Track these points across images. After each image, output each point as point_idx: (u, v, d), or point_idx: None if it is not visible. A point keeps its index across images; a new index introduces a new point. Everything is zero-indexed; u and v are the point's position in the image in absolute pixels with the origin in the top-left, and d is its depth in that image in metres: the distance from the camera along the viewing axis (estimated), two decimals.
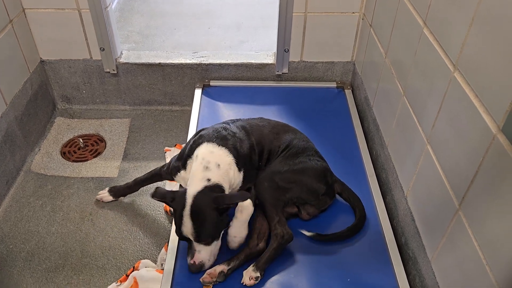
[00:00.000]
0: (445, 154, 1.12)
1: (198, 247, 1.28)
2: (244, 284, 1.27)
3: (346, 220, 1.46)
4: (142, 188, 1.76)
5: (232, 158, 1.36)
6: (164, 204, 1.77)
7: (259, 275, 1.28)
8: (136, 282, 1.45)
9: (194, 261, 1.28)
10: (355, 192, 1.51)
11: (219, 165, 1.32)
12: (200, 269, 1.29)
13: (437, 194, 1.16)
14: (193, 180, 1.30)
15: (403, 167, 1.43)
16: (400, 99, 1.45)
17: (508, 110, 0.85)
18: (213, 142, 1.37)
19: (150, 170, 1.69)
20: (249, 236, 1.38)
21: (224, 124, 1.47)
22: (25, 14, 1.96)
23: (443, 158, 1.13)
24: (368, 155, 1.72)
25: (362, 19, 1.95)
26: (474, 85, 0.99)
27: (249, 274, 1.28)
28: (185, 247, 1.39)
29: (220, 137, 1.39)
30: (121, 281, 1.50)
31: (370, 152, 1.74)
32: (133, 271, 1.51)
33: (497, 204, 0.89)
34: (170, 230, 1.67)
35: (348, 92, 2.05)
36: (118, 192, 1.77)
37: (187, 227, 1.24)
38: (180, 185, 1.51)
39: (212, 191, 1.26)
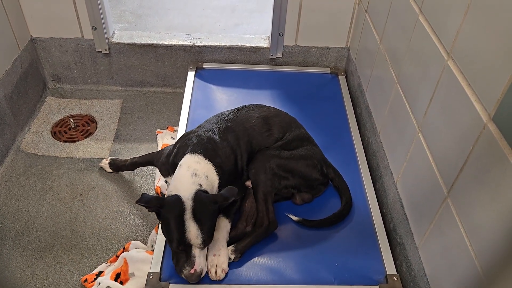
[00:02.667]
0: (436, 142, 1.13)
1: (196, 252, 1.20)
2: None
3: (336, 205, 1.47)
4: (134, 170, 1.79)
5: (217, 177, 1.31)
6: (156, 186, 1.77)
7: (233, 257, 1.29)
8: (126, 263, 1.45)
9: (195, 269, 1.20)
10: (346, 178, 1.52)
11: (207, 176, 1.28)
12: (200, 276, 1.21)
13: (427, 181, 1.17)
14: (182, 185, 1.24)
15: (394, 154, 1.44)
16: (393, 86, 1.46)
17: (500, 99, 0.85)
18: (198, 154, 1.32)
19: (141, 153, 1.68)
20: (238, 218, 1.39)
21: (209, 133, 1.39)
22: None
23: (434, 146, 1.14)
24: (360, 141, 1.73)
25: (358, 5, 1.93)
26: (467, 74, 0.99)
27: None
28: None
29: (206, 150, 1.33)
30: (111, 262, 1.51)
31: (362, 139, 1.75)
32: (123, 252, 1.51)
33: (485, 192, 0.90)
34: None
35: (341, 78, 2.04)
36: (117, 166, 1.82)
37: (192, 232, 1.17)
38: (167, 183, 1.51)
39: (205, 195, 1.23)
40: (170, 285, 1.25)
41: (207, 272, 1.25)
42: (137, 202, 1.21)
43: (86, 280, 1.45)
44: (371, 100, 1.72)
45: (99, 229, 1.63)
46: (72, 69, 2.19)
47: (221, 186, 1.32)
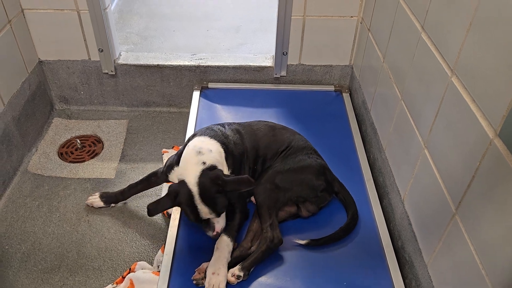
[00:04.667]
0: (442, 159, 1.12)
1: (215, 220, 1.30)
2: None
3: (341, 220, 1.46)
4: (130, 197, 1.75)
5: (223, 150, 1.37)
6: None
7: (242, 275, 1.28)
8: (132, 284, 1.44)
9: (217, 232, 1.31)
10: (352, 195, 1.51)
11: (211, 150, 1.32)
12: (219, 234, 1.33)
13: (434, 198, 1.16)
14: (187, 166, 1.29)
15: (400, 171, 1.44)
16: (398, 103, 1.46)
17: (505, 115, 0.85)
18: (205, 136, 1.39)
19: (147, 172, 1.68)
20: (243, 237, 1.39)
21: (219, 126, 1.48)
22: (23, 14, 1.96)
23: (440, 162, 1.14)
24: (366, 158, 1.72)
25: (361, 23, 1.96)
26: (471, 90, 0.99)
27: (233, 272, 1.29)
28: (182, 248, 1.40)
29: (212, 133, 1.41)
30: (117, 283, 1.50)
31: (368, 156, 1.74)
32: (129, 272, 1.50)
33: (493, 209, 0.89)
34: (166, 232, 1.67)
35: (346, 96, 2.05)
36: (110, 198, 1.75)
37: (205, 211, 1.27)
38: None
39: (211, 175, 1.26)
40: None
41: None
42: (150, 214, 1.29)
43: None
44: (375, 117, 1.72)
45: (105, 249, 1.62)
46: (78, 90, 2.21)
47: (227, 160, 1.37)
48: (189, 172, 1.28)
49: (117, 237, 1.67)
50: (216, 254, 1.31)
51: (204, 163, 1.28)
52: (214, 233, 1.31)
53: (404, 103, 1.41)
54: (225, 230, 1.35)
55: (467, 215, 0.99)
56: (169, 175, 1.46)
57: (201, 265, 1.32)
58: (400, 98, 1.44)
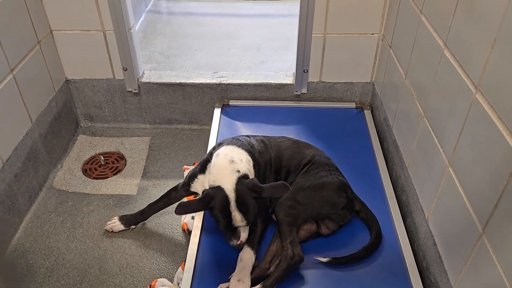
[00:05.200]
0: (468, 177, 1.10)
1: (242, 229, 1.33)
2: None
3: (364, 240, 1.43)
4: (149, 217, 1.74)
5: (251, 159, 1.42)
6: (182, 223, 1.77)
7: None
8: None
9: (241, 241, 1.33)
10: (374, 213, 1.49)
11: (241, 159, 1.38)
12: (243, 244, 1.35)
13: (460, 217, 1.13)
14: (222, 175, 1.33)
15: (424, 189, 1.41)
16: (421, 120, 1.44)
17: None
18: (232, 145, 1.44)
19: (168, 189, 1.70)
20: (261, 258, 1.38)
21: (244, 136, 1.54)
22: (52, 35, 2.03)
23: (466, 181, 1.11)
24: (388, 176, 1.70)
25: (382, 40, 1.95)
26: (497, 107, 0.97)
27: None
28: (203, 266, 1.39)
29: (239, 143, 1.46)
30: None
31: (390, 174, 1.72)
32: None
33: None
34: (187, 249, 1.67)
35: (367, 113, 2.04)
36: (130, 220, 1.75)
37: (238, 219, 1.29)
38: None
39: (247, 183, 1.31)
40: None
41: None
42: (177, 211, 1.30)
43: None
44: (398, 134, 1.70)
45: (126, 266, 1.63)
46: (103, 108, 2.27)
47: (255, 168, 1.42)
48: (225, 179, 1.32)
49: (138, 253, 1.67)
50: (240, 265, 1.33)
51: (238, 171, 1.33)
52: (239, 242, 1.33)
53: (427, 120, 1.39)
54: (248, 242, 1.36)
55: (494, 235, 0.96)
56: (192, 185, 1.49)
57: (224, 285, 1.31)
58: (423, 115, 1.42)
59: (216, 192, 1.30)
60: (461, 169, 1.14)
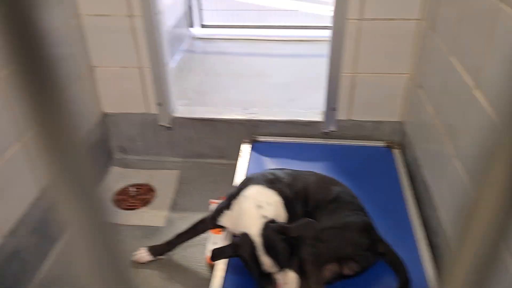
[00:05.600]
0: None
1: (278, 275, 1.29)
2: None
3: (392, 285, 1.39)
4: (177, 246, 1.75)
5: (281, 198, 1.41)
6: (206, 257, 1.77)
7: None
8: None
9: (279, 287, 1.29)
10: (403, 256, 1.45)
11: (270, 203, 1.37)
12: None
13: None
14: (248, 220, 1.33)
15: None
16: (451, 160, 1.42)
17: None
18: (261, 185, 1.43)
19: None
20: None
21: (271, 170, 1.55)
22: (92, 70, 2.14)
23: None
24: (418, 218, 1.66)
25: (411, 80, 1.96)
26: None
27: None
28: None
29: (268, 180, 1.46)
30: None
31: (420, 216, 1.68)
32: None
33: None
34: (210, 283, 1.66)
35: (396, 152, 2.02)
36: (157, 251, 1.75)
37: (268, 265, 1.28)
38: (226, 231, 1.54)
39: (274, 226, 1.31)
40: None
41: None
42: (213, 259, 1.35)
43: None
44: (428, 174, 1.68)
45: None
46: (136, 141, 2.34)
47: (286, 206, 1.42)
48: (250, 225, 1.32)
49: (163, 285, 1.68)
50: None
51: (265, 216, 1.33)
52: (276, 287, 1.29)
53: (458, 161, 1.37)
54: (291, 265, 1.34)
55: None
56: (219, 219, 1.49)
57: None
58: (454, 155, 1.41)
59: (242, 239, 1.32)
60: None
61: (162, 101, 2.18)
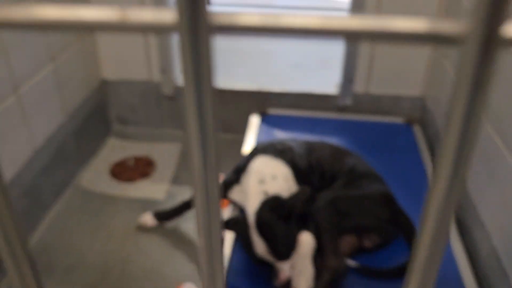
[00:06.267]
0: None
1: (279, 264, 1.16)
2: None
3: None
4: (183, 213, 1.65)
5: (289, 169, 1.28)
6: None
7: None
8: None
9: (281, 281, 1.16)
10: None
11: (275, 176, 1.24)
12: (288, 283, 1.16)
13: None
14: (248, 197, 1.21)
15: (486, 203, 1.25)
16: (482, 128, 1.30)
17: None
18: (268, 155, 1.30)
19: None
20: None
21: (281, 140, 1.42)
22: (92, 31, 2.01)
23: None
24: None
25: (435, 49, 1.84)
26: None
27: None
28: (236, 273, 1.25)
29: (277, 151, 1.33)
30: None
31: None
32: None
33: None
34: None
35: (416, 128, 1.90)
36: (163, 215, 1.66)
37: (260, 247, 1.16)
38: (234, 203, 1.41)
39: (271, 204, 1.17)
40: None
41: None
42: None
43: None
44: None
45: (150, 271, 1.50)
46: (136, 111, 2.21)
47: (296, 178, 1.29)
48: (249, 202, 1.21)
49: (164, 258, 1.55)
50: (299, 251, 1.17)
51: (266, 192, 1.21)
52: (278, 282, 1.16)
53: (490, 126, 1.25)
54: (306, 228, 1.22)
55: None
56: (229, 193, 1.37)
57: None
58: (485, 121, 1.29)
59: (239, 217, 1.22)
60: None
61: (166, 68, 2.04)
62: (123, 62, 2.07)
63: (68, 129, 1.84)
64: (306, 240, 1.20)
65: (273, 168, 1.27)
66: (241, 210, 1.29)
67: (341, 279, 1.18)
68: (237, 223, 1.21)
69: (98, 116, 2.12)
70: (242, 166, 1.35)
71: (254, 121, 1.99)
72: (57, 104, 1.75)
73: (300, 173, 1.33)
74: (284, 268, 1.15)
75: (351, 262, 1.24)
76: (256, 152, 1.35)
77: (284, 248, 1.15)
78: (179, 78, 2.14)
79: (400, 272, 1.23)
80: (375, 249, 1.31)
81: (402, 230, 1.33)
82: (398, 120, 1.96)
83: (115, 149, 2.14)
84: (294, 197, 1.18)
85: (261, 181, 1.23)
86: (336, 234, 1.24)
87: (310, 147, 1.45)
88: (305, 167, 1.36)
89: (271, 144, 1.39)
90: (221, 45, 3.03)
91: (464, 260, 1.28)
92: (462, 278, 1.23)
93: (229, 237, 1.38)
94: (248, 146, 1.83)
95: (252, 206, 1.19)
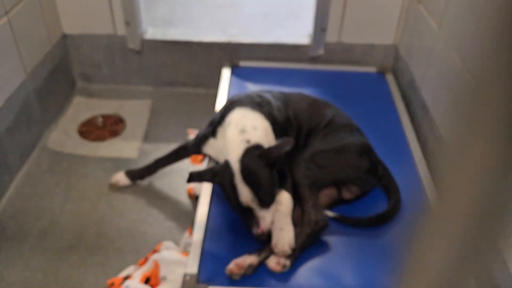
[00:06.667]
0: None
1: (261, 213, 1.15)
2: (270, 269, 1.12)
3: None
4: (163, 170, 1.62)
5: (268, 123, 1.25)
6: (188, 187, 1.63)
7: (288, 264, 1.13)
8: (157, 266, 1.30)
9: (262, 230, 1.14)
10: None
11: (255, 127, 1.21)
12: (268, 235, 1.15)
13: None
14: (230, 146, 1.18)
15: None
16: (458, 75, 1.30)
17: None
18: (246, 107, 1.26)
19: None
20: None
21: (258, 92, 1.37)
22: None
23: None
24: (416, 140, 1.56)
25: None
26: None
27: (277, 260, 1.13)
28: (215, 229, 1.25)
29: (254, 103, 1.29)
30: (140, 265, 1.36)
31: (418, 138, 1.58)
32: (153, 254, 1.36)
33: None
34: (193, 215, 1.53)
35: (389, 77, 1.89)
36: (136, 174, 1.63)
37: (245, 195, 1.13)
38: (209, 158, 1.39)
39: (255, 151, 1.16)
40: (209, 287, 1.09)
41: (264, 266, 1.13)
42: (189, 181, 1.19)
43: (112, 284, 1.30)
44: (428, 95, 1.57)
45: (126, 230, 1.49)
46: (102, 68, 2.10)
47: (274, 131, 1.27)
48: (231, 151, 1.17)
49: (140, 218, 1.53)
50: (280, 209, 1.17)
51: (248, 141, 1.18)
52: (259, 230, 1.14)
53: (468, 74, 1.25)
54: (282, 186, 1.22)
55: None
56: (203, 147, 1.34)
57: (241, 258, 1.13)
58: (461, 68, 1.29)
59: (222, 166, 1.17)
60: None
61: (131, 20, 1.93)
62: (85, 15, 1.94)
63: (30, 88, 1.74)
64: (285, 199, 1.20)
65: (253, 120, 1.23)
66: (216, 163, 1.27)
67: (321, 231, 1.19)
68: (218, 174, 1.17)
69: (61, 73, 2.01)
70: (218, 119, 1.30)
71: (226, 73, 1.93)
72: (15, 61, 1.63)
73: (277, 127, 1.30)
74: (266, 217, 1.15)
75: (330, 213, 1.25)
76: (232, 104, 1.30)
77: (268, 194, 1.15)
78: (145, 31, 2.04)
79: (378, 221, 1.26)
80: (354, 200, 1.33)
81: (380, 180, 1.35)
82: (371, 69, 1.94)
83: (82, 108, 2.05)
84: (278, 146, 1.15)
85: (242, 131, 1.20)
86: (315, 189, 1.24)
87: (287, 99, 1.42)
88: (283, 120, 1.33)
89: (248, 96, 1.34)
90: None
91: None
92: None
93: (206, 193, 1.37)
94: (221, 100, 1.79)
95: (235, 154, 1.16)
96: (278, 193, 1.20)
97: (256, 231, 1.14)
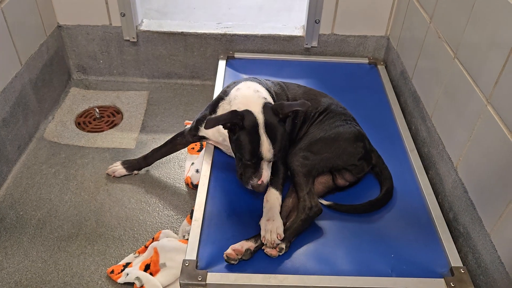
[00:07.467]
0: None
1: (264, 166, 1.20)
2: (266, 253, 1.16)
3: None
4: (160, 160, 1.66)
5: (271, 98, 1.32)
6: (186, 176, 1.66)
7: (284, 247, 1.16)
8: (156, 253, 1.33)
9: (263, 181, 1.19)
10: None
11: (265, 98, 1.27)
12: (265, 187, 1.22)
13: (500, 157, 1.04)
14: (248, 101, 1.23)
15: (451, 136, 1.32)
16: (450, 63, 1.34)
17: None
18: (252, 81, 1.34)
19: None
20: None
21: (256, 79, 1.41)
22: None
23: (509, 115, 1.01)
24: (407, 130, 1.60)
25: None
26: None
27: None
28: (212, 217, 1.28)
29: (258, 81, 1.37)
30: (139, 252, 1.38)
31: (409, 127, 1.62)
32: (152, 242, 1.39)
33: None
34: (190, 204, 1.56)
35: (381, 68, 1.93)
36: (133, 165, 1.65)
37: (265, 146, 1.17)
38: (205, 149, 1.42)
39: (274, 106, 1.23)
40: (209, 273, 1.12)
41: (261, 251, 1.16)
42: (207, 127, 1.17)
43: (112, 272, 1.33)
44: (418, 86, 1.60)
45: (125, 219, 1.51)
46: (98, 59, 2.11)
47: None
48: (252, 104, 1.22)
49: (138, 206, 1.56)
50: (267, 205, 1.23)
51: (265, 98, 1.25)
52: (259, 181, 1.19)
53: (459, 61, 1.29)
54: (272, 184, 1.26)
55: None
56: (201, 128, 1.38)
57: (238, 244, 1.16)
58: (453, 57, 1.32)
59: (245, 113, 1.19)
60: (503, 104, 1.04)
61: (126, 11, 1.94)
62: (79, 5, 1.94)
63: (26, 79, 1.75)
64: (273, 196, 1.24)
65: (259, 88, 1.30)
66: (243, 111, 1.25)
67: (315, 217, 1.22)
68: (245, 118, 1.18)
69: (57, 65, 2.01)
70: (219, 98, 1.36)
71: (221, 65, 1.95)
72: (10, 52, 1.64)
73: None
74: (267, 170, 1.20)
75: (324, 202, 1.28)
76: (235, 82, 1.37)
77: (283, 148, 1.22)
78: (140, 22, 2.05)
79: (371, 207, 1.29)
80: (348, 187, 1.36)
81: (373, 167, 1.39)
82: (363, 60, 1.97)
83: (78, 99, 2.06)
84: (292, 104, 1.22)
85: (257, 91, 1.27)
86: (311, 177, 1.27)
87: (284, 87, 1.46)
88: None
89: (251, 77, 1.40)
90: None
91: (430, 192, 1.35)
92: (429, 209, 1.30)
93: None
94: (217, 89, 1.81)
95: (256, 106, 1.20)
96: (267, 189, 1.25)
97: (256, 182, 1.19)
